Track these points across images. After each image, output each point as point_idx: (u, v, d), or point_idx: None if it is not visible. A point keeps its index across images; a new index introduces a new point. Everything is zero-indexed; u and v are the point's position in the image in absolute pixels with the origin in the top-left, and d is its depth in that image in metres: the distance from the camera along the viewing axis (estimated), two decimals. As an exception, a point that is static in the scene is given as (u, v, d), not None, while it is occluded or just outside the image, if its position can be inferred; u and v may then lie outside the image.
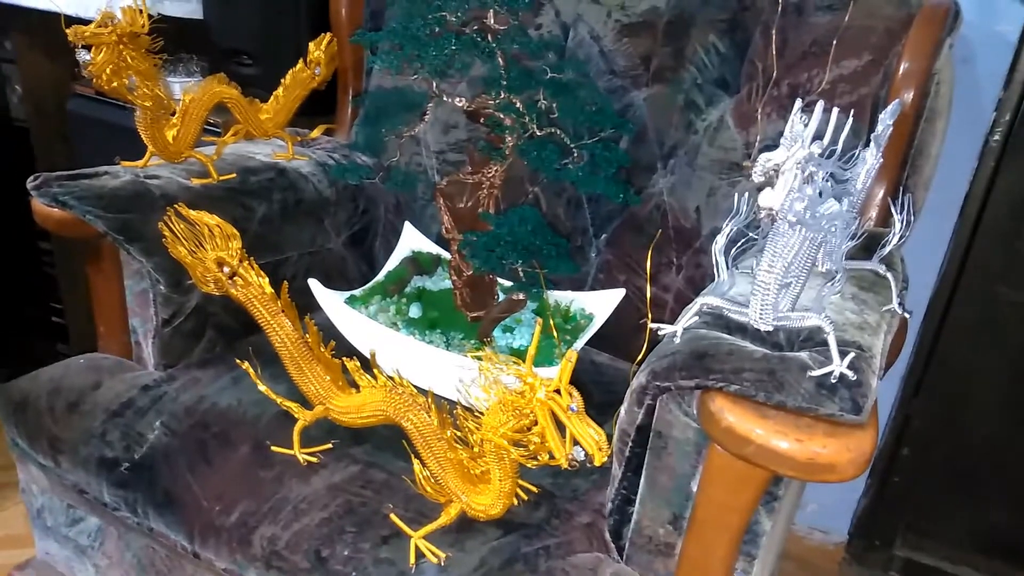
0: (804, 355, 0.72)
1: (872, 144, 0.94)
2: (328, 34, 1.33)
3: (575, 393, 0.74)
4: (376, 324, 1.06)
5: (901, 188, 1.11)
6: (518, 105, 0.88)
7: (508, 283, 1.14)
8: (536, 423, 0.76)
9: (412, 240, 1.29)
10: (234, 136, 1.19)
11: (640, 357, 1.03)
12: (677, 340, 0.77)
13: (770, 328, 0.74)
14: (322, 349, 0.92)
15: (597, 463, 0.74)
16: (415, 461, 0.81)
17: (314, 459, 0.91)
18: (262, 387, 0.94)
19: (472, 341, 1.07)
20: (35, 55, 1.50)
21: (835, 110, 0.71)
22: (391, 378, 0.87)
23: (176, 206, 0.93)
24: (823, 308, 0.77)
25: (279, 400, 0.93)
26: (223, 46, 1.47)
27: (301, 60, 1.30)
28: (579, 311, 1.18)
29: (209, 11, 1.45)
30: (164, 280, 1.02)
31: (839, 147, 0.73)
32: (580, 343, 1.08)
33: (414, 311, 1.12)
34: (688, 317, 0.80)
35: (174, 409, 0.97)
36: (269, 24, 1.43)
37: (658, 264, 1.22)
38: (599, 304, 1.18)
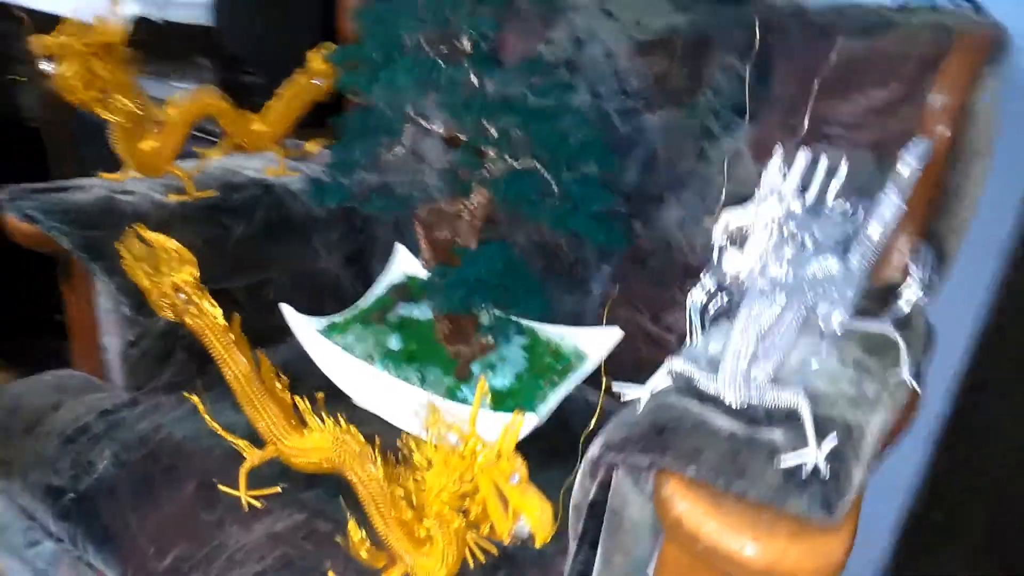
0: (778, 434, 0.63)
1: (892, 188, 0.84)
2: (329, 43, 1.28)
3: (520, 462, 0.67)
4: (348, 356, 1.00)
5: (928, 234, 1.01)
6: (492, 132, 0.81)
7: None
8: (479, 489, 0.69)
9: (405, 264, 1.23)
10: (220, 150, 1.14)
11: (592, 424, 0.94)
12: (641, 407, 0.69)
13: (738, 404, 0.66)
14: (277, 385, 0.87)
15: (537, 545, 0.67)
16: (350, 521, 0.75)
17: (258, 504, 0.85)
18: (211, 423, 0.89)
19: (448, 379, 1.00)
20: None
21: (823, 156, 0.62)
22: (338, 423, 0.81)
23: (135, 226, 0.89)
24: (805, 380, 0.68)
25: (228, 437, 0.88)
26: (233, 53, 1.43)
27: (298, 70, 1.25)
28: (572, 349, 1.10)
29: (220, 18, 1.42)
30: (128, 302, 0.98)
31: (829, 195, 0.64)
32: (563, 389, 1.01)
33: (393, 343, 1.06)
34: (657, 380, 0.72)
35: (128, 438, 0.93)
36: (278, 33, 1.39)
37: (662, 301, 1.13)
38: (594, 343, 1.10)
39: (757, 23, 1.12)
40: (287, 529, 0.82)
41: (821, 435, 0.64)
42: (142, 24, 1.35)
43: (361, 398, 1.02)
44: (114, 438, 0.93)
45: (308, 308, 1.10)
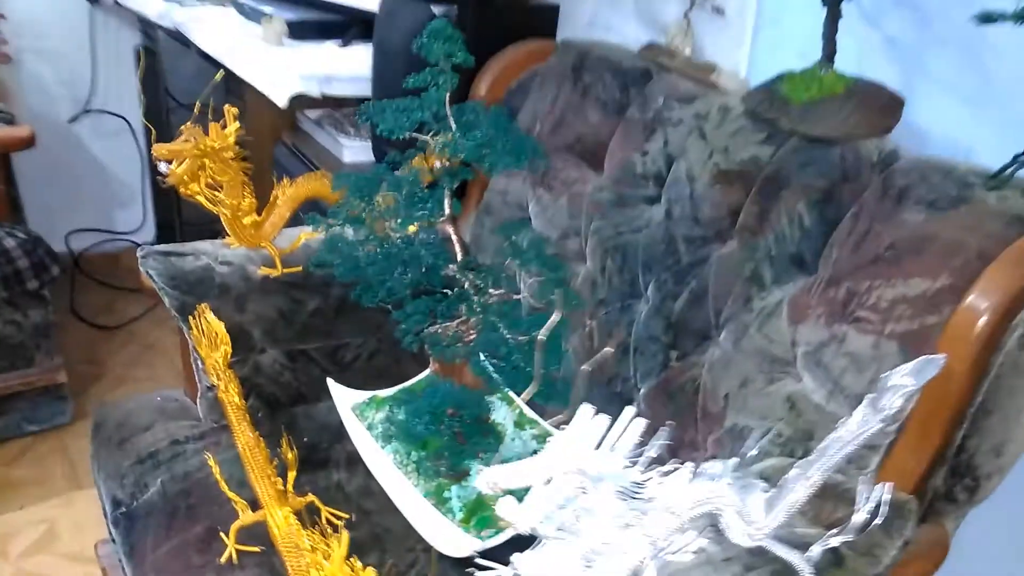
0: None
1: (867, 406, 0.78)
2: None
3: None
4: (364, 433, 1.12)
5: (956, 447, 0.89)
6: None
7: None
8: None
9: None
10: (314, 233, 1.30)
11: None
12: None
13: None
14: (270, 467, 1.01)
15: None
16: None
17: (234, 560, 1.00)
18: (218, 479, 1.04)
19: (436, 480, 1.08)
20: (261, 103, 1.75)
21: (640, 421, 0.62)
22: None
23: (200, 307, 1.08)
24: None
25: (229, 494, 1.03)
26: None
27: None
28: (579, 470, 1.12)
29: (377, 90, 1.59)
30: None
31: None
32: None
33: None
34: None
35: (178, 470, 1.13)
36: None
37: (681, 441, 1.11)
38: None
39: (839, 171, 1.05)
40: (248, 589, 0.97)
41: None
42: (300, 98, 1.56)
43: (375, 474, 1.14)
44: (170, 467, 1.14)
45: (389, 373, 1.23)
